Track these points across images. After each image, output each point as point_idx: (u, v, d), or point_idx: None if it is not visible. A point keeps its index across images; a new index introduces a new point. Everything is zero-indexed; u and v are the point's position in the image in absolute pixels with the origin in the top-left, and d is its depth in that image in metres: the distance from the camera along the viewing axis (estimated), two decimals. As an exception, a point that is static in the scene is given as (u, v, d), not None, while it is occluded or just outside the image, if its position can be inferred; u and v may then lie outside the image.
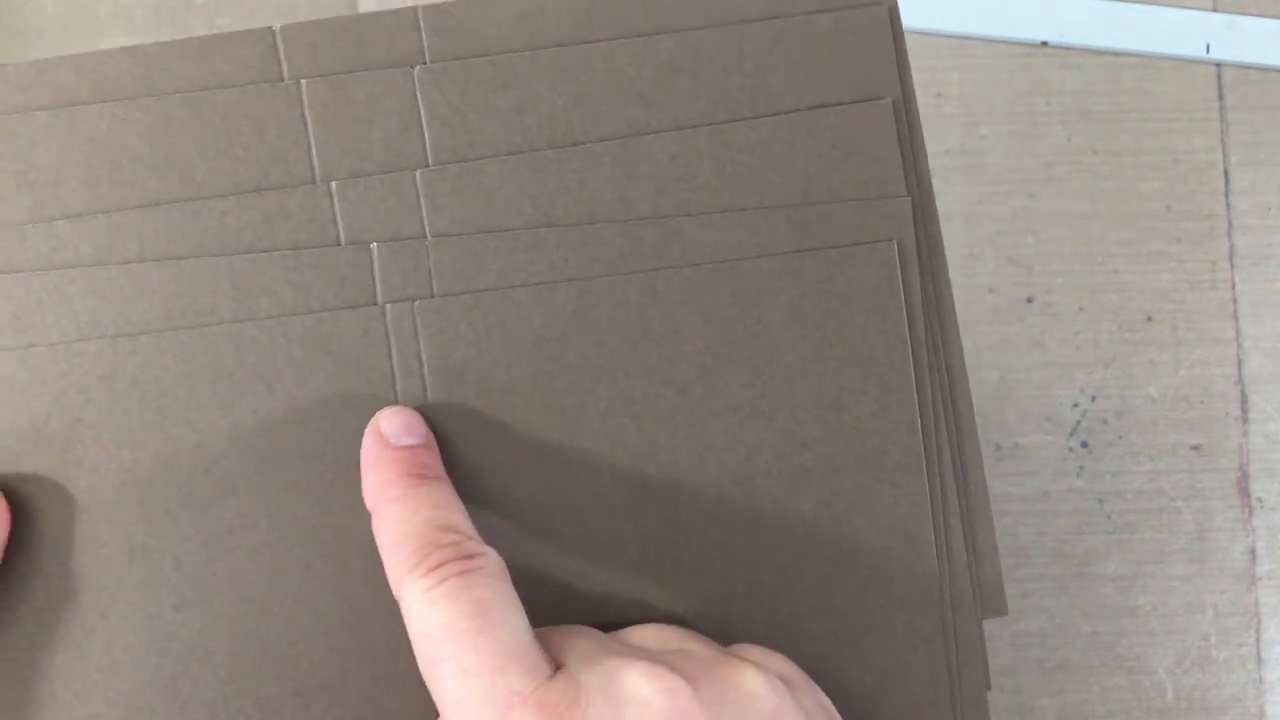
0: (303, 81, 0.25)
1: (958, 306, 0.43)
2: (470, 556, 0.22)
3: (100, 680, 0.24)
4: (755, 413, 0.25)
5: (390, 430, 0.24)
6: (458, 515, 0.23)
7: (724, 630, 0.25)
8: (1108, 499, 0.43)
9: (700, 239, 0.25)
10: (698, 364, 0.25)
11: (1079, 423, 0.43)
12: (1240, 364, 0.43)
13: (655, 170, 0.25)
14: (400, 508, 0.23)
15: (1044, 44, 0.45)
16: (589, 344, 0.25)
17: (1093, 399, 0.43)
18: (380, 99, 0.25)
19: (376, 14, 0.25)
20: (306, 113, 0.25)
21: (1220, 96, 0.45)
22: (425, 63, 0.25)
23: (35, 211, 0.25)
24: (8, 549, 0.24)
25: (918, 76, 0.44)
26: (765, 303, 0.25)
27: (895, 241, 0.26)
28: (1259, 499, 0.43)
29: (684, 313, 0.25)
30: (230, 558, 0.25)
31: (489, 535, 0.24)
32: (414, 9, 0.25)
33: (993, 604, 0.26)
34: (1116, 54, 0.45)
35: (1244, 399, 0.43)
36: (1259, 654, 0.42)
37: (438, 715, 0.22)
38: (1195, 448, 0.43)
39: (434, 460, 0.24)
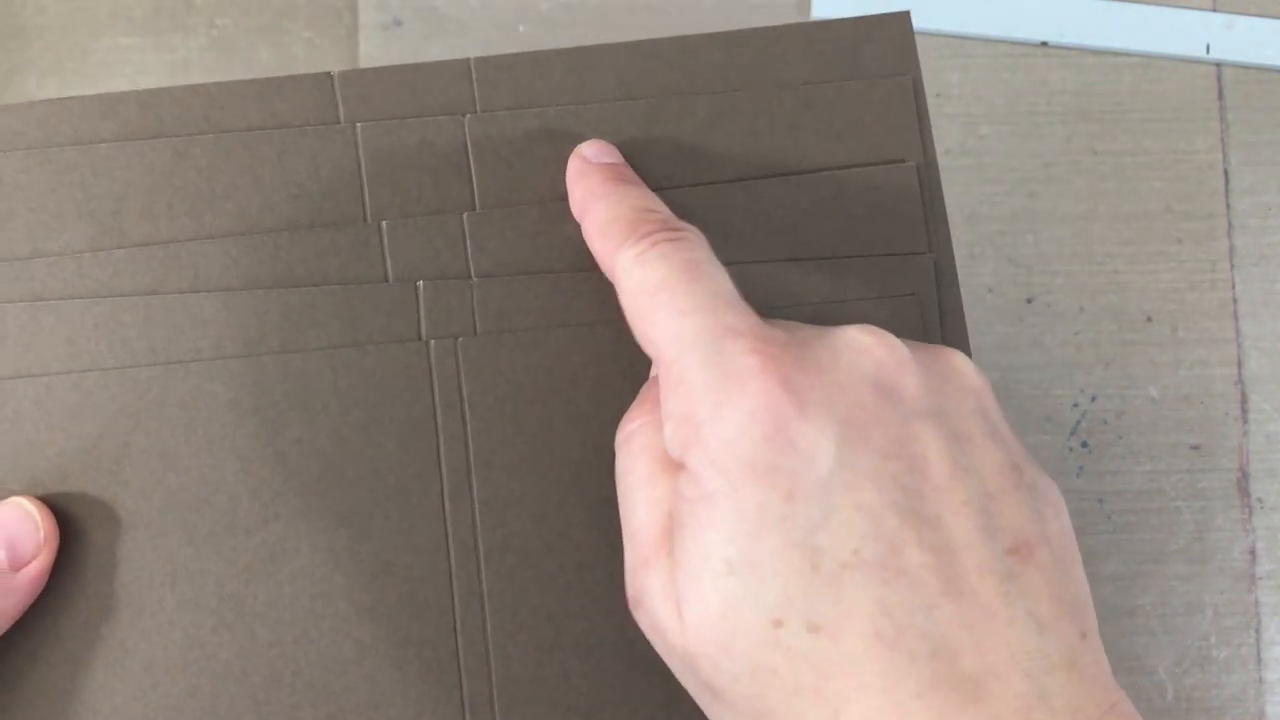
0: (358, 124, 0.26)
1: (958, 306, 0.43)
2: (677, 229, 0.23)
3: (139, 698, 0.25)
4: None
5: (591, 153, 0.25)
6: (661, 204, 0.25)
7: None
8: (1108, 499, 0.43)
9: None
10: None
11: (1079, 423, 0.43)
12: (1240, 364, 0.44)
13: (690, 221, 0.26)
14: (606, 200, 0.24)
15: (1044, 44, 0.45)
16: (624, 385, 0.26)
17: (1093, 399, 0.43)
18: (432, 144, 0.26)
19: (432, 64, 0.26)
20: (360, 154, 0.26)
21: (1220, 96, 0.45)
22: (476, 111, 0.26)
23: (95, 240, 0.26)
24: (54, 566, 0.25)
25: (918, 76, 0.44)
26: None
27: (916, 296, 0.26)
28: (1259, 499, 0.43)
29: None
30: (271, 582, 0.25)
31: (520, 562, 0.25)
32: (467, 60, 0.26)
33: None
34: (1116, 54, 0.45)
35: (1244, 399, 0.43)
36: (1259, 654, 0.42)
37: None
38: (1195, 448, 0.43)
39: (633, 173, 0.26)
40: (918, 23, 0.44)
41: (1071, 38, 0.44)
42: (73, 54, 0.44)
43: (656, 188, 0.26)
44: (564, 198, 0.26)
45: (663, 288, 0.22)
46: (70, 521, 0.25)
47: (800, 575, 0.19)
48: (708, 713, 0.21)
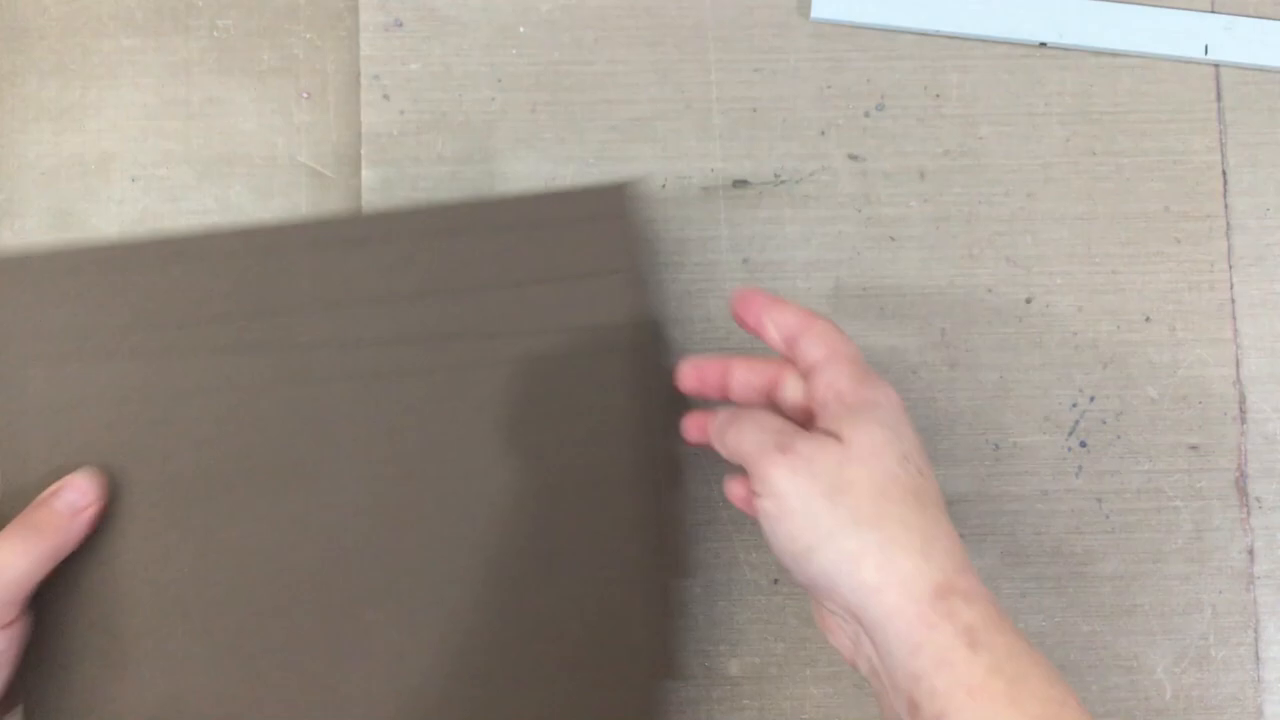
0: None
1: (957, 306, 0.43)
2: None
3: (139, 604, 0.38)
4: (526, 416, 0.39)
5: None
6: None
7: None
8: (1106, 499, 0.43)
9: (497, 352, 0.39)
10: (491, 406, 0.39)
11: (1078, 423, 0.43)
12: (1238, 364, 0.44)
13: (453, 315, 0.40)
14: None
15: (1043, 45, 0.45)
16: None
17: (1091, 399, 0.43)
18: (322, 271, 0.40)
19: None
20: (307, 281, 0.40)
21: (1219, 98, 0.45)
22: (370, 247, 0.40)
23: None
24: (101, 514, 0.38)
25: (918, 76, 0.44)
26: (524, 394, 0.39)
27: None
28: (1257, 499, 0.43)
29: (484, 378, 0.39)
30: (237, 520, 0.38)
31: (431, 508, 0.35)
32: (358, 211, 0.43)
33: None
34: (1115, 55, 0.45)
35: (1242, 399, 0.43)
36: (1257, 653, 0.42)
37: None
38: (1194, 447, 0.43)
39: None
40: (918, 23, 0.45)
41: (1070, 39, 0.44)
42: (74, 55, 0.44)
43: (448, 290, 0.39)
44: (400, 294, 0.40)
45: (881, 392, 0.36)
46: (115, 475, 0.38)
47: (915, 445, 0.35)
48: (816, 520, 0.33)
